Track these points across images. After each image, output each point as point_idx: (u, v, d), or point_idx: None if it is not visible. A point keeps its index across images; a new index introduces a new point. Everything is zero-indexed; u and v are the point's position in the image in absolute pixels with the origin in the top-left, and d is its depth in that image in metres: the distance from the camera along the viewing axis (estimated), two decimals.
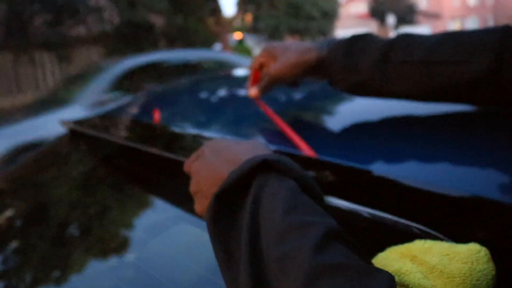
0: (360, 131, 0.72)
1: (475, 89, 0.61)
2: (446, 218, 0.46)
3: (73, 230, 0.98)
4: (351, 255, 0.34)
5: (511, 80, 0.57)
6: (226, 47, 15.36)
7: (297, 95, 1.00)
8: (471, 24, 43.58)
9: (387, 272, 0.31)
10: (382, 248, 0.39)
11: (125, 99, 1.56)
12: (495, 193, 0.47)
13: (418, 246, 0.36)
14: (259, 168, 0.43)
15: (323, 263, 0.32)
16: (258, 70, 0.79)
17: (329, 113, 0.88)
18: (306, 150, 0.66)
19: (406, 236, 0.43)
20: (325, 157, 0.62)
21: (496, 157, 0.55)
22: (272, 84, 0.77)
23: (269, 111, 0.80)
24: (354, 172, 0.56)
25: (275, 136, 0.76)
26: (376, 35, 0.70)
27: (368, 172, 0.55)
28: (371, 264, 0.37)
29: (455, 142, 0.61)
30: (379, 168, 0.57)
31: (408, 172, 0.55)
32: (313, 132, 0.77)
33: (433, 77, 0.62)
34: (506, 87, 0.58)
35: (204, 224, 0.47)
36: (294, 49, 0.73)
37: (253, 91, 0.78)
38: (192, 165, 0.51)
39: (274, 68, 0.73)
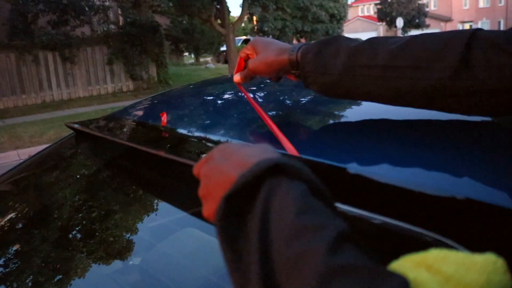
0: (359, 133, 0.73)
1: (434, 95, 0.62)
2: (457, 226, 0.47)
3: (78, 233, 0.99)
4: (364, 257, 0.34)
5: (469, 89, 0.59)
6: (231, 49, 15.32)
7: (284, 94, 1.04)
8: (483, 27, 43.37)
9: (401, 275, 0.32)
10: (392, 256, 0.38)
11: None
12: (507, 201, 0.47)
13: (434, 255, 0.35)
14: (269, 171, 0.43)
15: (337, 264, 0.32)
16: (243, 59, 0.87)
17: (324, 115, 0.89)
18: (286, 144, 0.70)
19: (418, 244, 0.43)
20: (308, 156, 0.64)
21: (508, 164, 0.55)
22: (251, 75, 0.86)
23: (249, 97, 0.89)
24: (359, 177, 0.57)
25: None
26: (347, 38, 0.74)
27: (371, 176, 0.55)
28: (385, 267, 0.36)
29: (464, 148, 0.61)
30: (384, 173, 0.57)
31: (413, 177, 0.55)
32: (300, 133, 0.80)
33: (394, 82, 0.65)
34: (464, 96, 0.60)
35: (210, 227, 0.49)
36: (272, 48, 0.80)
37: (236, 78, 0.87)
38: (202, 168, 0.52)
39: (252, 62, 0.82)
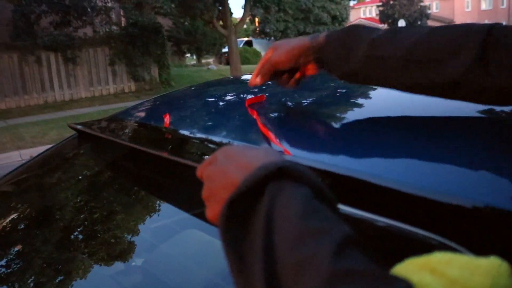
0: (362, 134, 0.73)
1: (450, 88, 0.65)
2: (461, 228, 0.46)
3: (80, 234, 0.99)
4: (369, 262, 0.34)
5: (481, 85, 0.61)
6: (233, 50, 15.32)
7: (286, 95, 1.03)
8: None
9: (406, 280, 0.32)
10: (396, 259, 0.38)
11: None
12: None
13: (438, 258, 0.35)
14: (273, 175, 0.43)
15: (342, 269, 0.32)
16: (265, 61, 0.85)
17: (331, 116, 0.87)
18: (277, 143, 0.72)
19: (421, 247, 0.43)
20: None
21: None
22: (271, 70, 0.84)
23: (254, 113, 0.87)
24: (364, 180, 0.56)
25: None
26: (368, 27, 0.76)
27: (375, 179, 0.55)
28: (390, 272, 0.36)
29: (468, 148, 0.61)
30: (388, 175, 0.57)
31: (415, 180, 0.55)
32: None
33: (412, 74, 0.68)
34: (477, 91, 0.62)
35: (213, 229, 0.48)
36: (293, 40, 0.82)
37: (254, 80, 0.86)
38: (205, 170, 0.51)
39: (274, 55, 0.82)
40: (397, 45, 0.69)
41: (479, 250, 0.41)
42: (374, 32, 0.73)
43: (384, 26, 39.87)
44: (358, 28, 0.76)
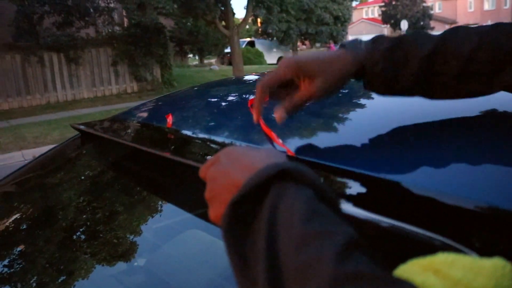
0: (366, 134, 0.71)
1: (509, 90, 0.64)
2: (464, 229, 0.46)
3: (82, 234, 0.99)
4: (373, 264, 0.34)
5: None
6: (235, 50, 15.32)
7: None
8: None
9: (410, 283, 0.31)
10: (399, 260, 0.38)
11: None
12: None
13: (441, 259, 0.35)
14: (276, 176, 0.43)
15: (346, 271, 0.32)
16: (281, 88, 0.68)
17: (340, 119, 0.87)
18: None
19: (425, 248, 0.43)
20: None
21: None
22: (305, 104, 0.68)
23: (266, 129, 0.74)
24: (372, 181, 0.56)
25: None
26: (413, 40, 0.68)
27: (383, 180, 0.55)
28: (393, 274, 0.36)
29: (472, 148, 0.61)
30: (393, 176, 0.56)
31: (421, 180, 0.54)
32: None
33: (469, 85, 0.66)
34: None
35: (215, 229, 0.47)
36: (329, 61, 0.66)
37: (281, 114, 0.66)
38: (208, 171, 0.51)
39: (316, 87, 0.65)
40: (450, 60, 0.65)
41: (482, 251, 0.41)
42: (422, 46, 0.66)
43: (387, 27, 39.78)
44: (403, 43, 0.68)
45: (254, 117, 0.68)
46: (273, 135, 0.72)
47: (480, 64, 0.64)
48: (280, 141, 0.72)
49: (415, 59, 0.66)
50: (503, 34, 0.64)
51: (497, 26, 0.65)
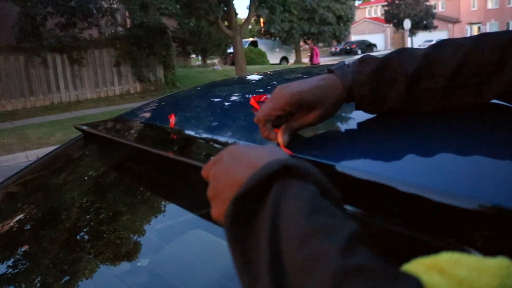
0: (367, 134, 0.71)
1: (500, 99, 0.66)
2: (468, 229, 0.46)
3: (86, 234, 0.99)
4: (377, 258, 0.34)
5: None
6: (238, 51, 15.33)
7: None
8: (491, 28, 43.02)
9: (415, 277, 0.31)
10: (403, 260, 0.37)
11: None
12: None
13: (445, 258, 0.35)
14: (279, 173, 0.43)
15: (351, 265, 0.32)
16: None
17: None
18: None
19: (429, 247, 0.42)
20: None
21: None
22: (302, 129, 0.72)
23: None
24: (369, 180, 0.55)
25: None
26: (398, 57, 0.70)
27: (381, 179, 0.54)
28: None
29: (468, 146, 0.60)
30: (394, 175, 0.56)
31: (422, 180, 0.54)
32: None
33: (457, 100, 0.67)
34: None
35: (218, 229, 0.47)
36: (324, 92, 0.68)
37: (284, 140, 0.69)
38: (211, 170, 0.51)
39: (314, 118, 0.69)
40: (436, 76, 0.67)
41: (486, 250, 0.41)
42: (408, 64, 0.68)
43: (389, 26, 39.68)
44: (388, 63, 0.69)
45: (280, 142, 0.70)
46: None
47: (465, 77, 0.65)
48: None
49: (401, 78, 0.68)
50: (486, 45, 0.65)
51: (481, 38, 0.67)
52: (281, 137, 0.69)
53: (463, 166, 0.56)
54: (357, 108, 0.72)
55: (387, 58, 0.70)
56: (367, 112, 0.73)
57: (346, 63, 0.72)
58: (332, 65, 0.73)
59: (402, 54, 0.70)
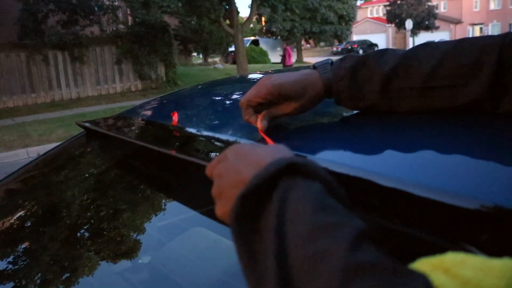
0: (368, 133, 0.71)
1: (471, 107, 0.65)
2: (473, 230, 0.46)
3: (87, 231, 0.99)
4: (385, 256, 0.33)
5: (504, 99, 0.62)
6: (239, 49, 15.32)
7: None
8: (493, 29, 42.97)
9: (423, 274, 0.31)
10: (407, 260, 0.37)
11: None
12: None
13: (451, 258, 0.35)
14: (284, 171, 0.43)
15: (358, 262, 0.32)
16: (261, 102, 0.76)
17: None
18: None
19: (434, 248, 0.42)
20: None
21: None
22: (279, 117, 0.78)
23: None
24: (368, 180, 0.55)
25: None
26: (377, 57, 0.72)
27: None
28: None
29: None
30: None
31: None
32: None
33: (432, 101, 0.68)
34: (501, 105, 0.63)
35: (220, 227, 0.48)
36: (304, 86, 0.73)
37: (262, 125, 0.75)
38: (215, 168, 0.51)
39: (292, 109, 0.74)
40: (412, 76, 0.68)
41: (492, 251, 0.41)
42: (385, 63, 0.70)
43: (391, 26, 39.64)
44: (366, 61, 0.72)
45: (259, 127, 0.76)
46: (271, 141, 0.73)
47: (440, 79, 0.66)
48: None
49: (376, 77, 0.70)
50: (464, 49, 0.65)
51: (461, 42, 0.67)
52: (260, 122, 0.75)
53: (467, 165, 0.56)
54: (337, 103, 0.76)
55: (366, 56, 0.73)
56: (346, 107, 0.76)
57: (330, 61, 0.76)
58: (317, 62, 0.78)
59: (381, 53, 0.72)
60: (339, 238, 0.34)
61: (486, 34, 0.70)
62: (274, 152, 0.48)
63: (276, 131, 0.77)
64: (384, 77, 0.69)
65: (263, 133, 0.74)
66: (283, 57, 16.16)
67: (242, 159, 0.48)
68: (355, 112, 0.78)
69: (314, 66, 0.76)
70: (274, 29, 24.25)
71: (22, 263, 0.94)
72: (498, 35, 0.64)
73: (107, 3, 12.20)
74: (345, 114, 0.80)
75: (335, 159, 0.62)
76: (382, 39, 45.42)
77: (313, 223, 0.37)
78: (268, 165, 0.43)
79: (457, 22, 44.39)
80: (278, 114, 0.76)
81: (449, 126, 0.67)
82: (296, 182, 0.42)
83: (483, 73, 0.62)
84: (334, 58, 0.92)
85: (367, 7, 52.74)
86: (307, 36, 26.37)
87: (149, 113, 1.28)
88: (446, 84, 0.66)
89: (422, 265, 0.35)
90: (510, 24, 41.75)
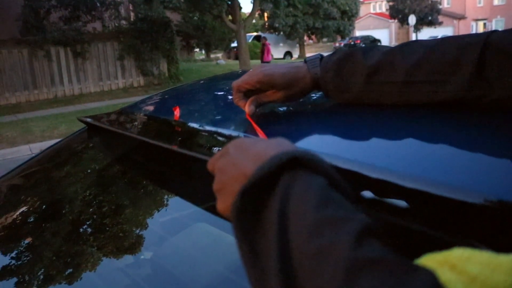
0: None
1: (452, 104, 0.66)
2: (480, 226, 0.46)
3: (89, 227, 0.99)
4: (390, 251, 0.33)
5: (484, 98, 0.63)
6: (242, 45, 15.30)
7: None
8: (497, 25, 42.74)
9: (429, 269, 0.31)
10: (413, 256, 0.36)
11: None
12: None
13: (457, 254, 0.34)
14: (287, 164, 0.42)
15: (363, 257, 0.32)
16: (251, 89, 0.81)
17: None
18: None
19: (441, 244, 0.42)
20: None
21: None
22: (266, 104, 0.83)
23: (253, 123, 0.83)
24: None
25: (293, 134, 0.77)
26: (363, 52, 0.74)
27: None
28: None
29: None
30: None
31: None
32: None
33: (413, 95, 0.69)
34: (485, 101, 0.63)
35: (222, 222, 0.48)
36: (292, 79, 0.78)
37: (250, 109, 0.81)
38: (216, 163, 0.51)
39: (278, 97, 0.79)
40: (395, 69, 0.69)
41: (499, 247, 0.40)
42: (370, 57, 0.72)
43: (394, 22, 39.49)
44: (353, 55, 0.74)
45: (246, 111, 0.81)
46: (260, 130, 0.76)
47: (423, 74, 0.67)
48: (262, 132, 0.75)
49: (362, 70, 0.72)
50: (447, 46, 0.66)
51: (445, 39, 0.69)
52: (247, 107, 0.80)
53: (478, 161, 0.55)
54: (325, 95, 0.79)
55: (354, 50, 0.75)
56: (333, 99, 0.79)
57: (320, 56, 0.80)
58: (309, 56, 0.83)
59: (369, 48, 0.75)
60: (343, 233, 0.34)
61: (490, 30, 0.70)
62: (277, 145, 0.47)
63: (265, 119, 0.81)
64: (368, 70, 0.72)
65: (250, 117, 0.79)
66: (261, 53, 15.79)
67: (244, 153, 0.48)
68: (345, 104, 0.79)
69: (305, 60, 0.80)
70: (277, 25, 24.20)
71: (24, 258, 0.94)
72: (483, 33, 0.65)
73: None
74: (335, 106, 0.81)
75: (322, 150, 0.62)
76: (385, 34, 45.30)
77: (316, 217, 0.36)
78: (270, 158, 0.43)
79: (461, 17, 44.21)
80: (265, 101, 0.81)
81: (432, 119, 0.67)
82: (299, 176, 0.41)
83: (464, 70, 0.63)
84: None
85: (370, 3, 52.57)
86: (309, 32, 26.31)
87: (150, 108, 1.27)
88: (427, 79, 0.67)
89: (428, 261, 0.35)
90: None
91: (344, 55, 0.75)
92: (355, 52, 0.75)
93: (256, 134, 0.75)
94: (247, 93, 0.81)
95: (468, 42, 0.65)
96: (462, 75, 0.63)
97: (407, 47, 0.71)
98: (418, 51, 0.68)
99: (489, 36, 0.63)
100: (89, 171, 1.23)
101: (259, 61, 18.68)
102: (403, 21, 34.73)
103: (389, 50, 0.72)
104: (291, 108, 0.87)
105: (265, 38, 16.75)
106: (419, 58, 0.67)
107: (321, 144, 0.71)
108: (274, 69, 0.77)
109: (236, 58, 18.90)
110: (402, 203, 0.51)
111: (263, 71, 0.78)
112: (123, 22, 12.87)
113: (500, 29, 0.67)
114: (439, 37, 0.70)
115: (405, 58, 0.69)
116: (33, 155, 1.45)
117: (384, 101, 0.72)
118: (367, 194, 0.54)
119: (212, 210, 0.51)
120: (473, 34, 0.67)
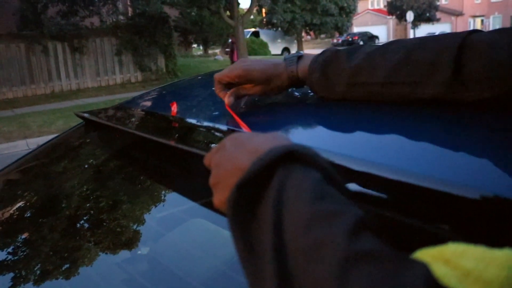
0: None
1: (433, 102, 0.67)
2: (473, 220, 0.46)
3: (86, 222, 0.99)
4: (384, 244, 0.33)
5: (463, 99, 0.64)
6: (240, 41, 15.26)
7: None
8: (494, 22, 42.76)
9: (423, 262, 0.31)
10: (407, 250, 0.36)
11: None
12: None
13: (451, 249, 0.34)
14: (283, 159, 0.42)
15: (358, 250, 0.32)
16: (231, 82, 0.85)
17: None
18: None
19: (434, 239, 0.42)
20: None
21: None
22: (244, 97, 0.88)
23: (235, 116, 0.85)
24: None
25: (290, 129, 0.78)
26: (347, 53, 0.76)
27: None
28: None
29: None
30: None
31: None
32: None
33: (394, 96, 0.71)
34: (460, 104, 0.65)
35: (219, 218, 0.47)
36: (270, 76, 0.81)
37: (229, 100, 0.85)
38: (213, 158, 0.51)
39: (256, 91, 0.84)
40: (377, 70, 0.71)
41: (493, 241, 0.40)
42: (354, 59, 0.74)
43: (392, 18, 39.47)
44: (337, 56, 0.76)
45: (225, 101, 0.85)
46: (239, 120, 0.78)
47: (403, 75, 0.68)
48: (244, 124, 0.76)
49: (345, 70, 0.74)
50: (426, 47, 0.67)
51: (425, 39, 0.70)
52: (227, 98, 0.84)
53: (472, 156, 0.56)
54: (314, 93, 0.82)
55: (339, 50, 0.77)
56: (321, 97, 0.81)
57: (299, 55, 0.83)
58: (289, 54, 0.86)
59: (355, 48, 0.77)
60: (338, 226, 0.34)
61: (487, 28, 0.70)
62: (273, 140, 0.47)
63: (251, 113, 0.84)
64: (351, 71, 0.74)
65: (229, 107, 0.83)
66: (231, 52, 15.55)
67: (240, 147, 0.48)
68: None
69: (285, 59, 0.84)
70: (275, 21, 24.15)
71: (21, 253, 0.93)
72: (461, 32, 0.66)
73: None
74: (321, 100, 0.82)
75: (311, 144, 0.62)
76: (383, 31, 45.25)
77: (311, 211, 0.36)
78: (265, 153, 0.43)
79: (458, 14, 44.20)
80: (244, 93, 0.85)
81: (420, 115, 0.67)
82: (294, 170, 0.41)
83: (441, 71, 0.64)
84: None
85: None
86: (307, 28, 26.26)
87: (148, 103, 1.27)
88: (405, 81, 0.68)
89: (422, 255, 0.34)
90: (511, 16, 41.55)
91: (330, 56, 0.77)
92: (340, 53, 0.77)
93: (236, 124, 0.77)
94: (228, 85, 0.86)
95: (445, 43, 0.65)
96: (438, 77, 0.64)
97: (389, 47, 0.72)
98: (398, 51, 0.69)
99: (466, 38, 0.64)
100: (86, 166, 1.23)
101: (257, 57, 18.64)
102: (401, 17, 34.72)
103: (372, 50, 0.74)
104: (277, 101, 0.88)
105: (233, 36, 16.28)
106: (399, 59, 0.69)
107: (307, 138, 0.72)
108: (254, 65, 0.82)
109: None
110: (395, 197, 0.52)
111: (242, 66, 0.82)
112: (121, 17, 12.83)
113: (497, 26, 0.67)
114: (436, 33, 0.70)
115: (385, 60, 0.70)
116: (30, 150, 1.45)
117: (368, 99, 0.74)
118: (353, 186, 0.54)
119: (209, 205, 0.51)
120: (451, 34, 0.68)
